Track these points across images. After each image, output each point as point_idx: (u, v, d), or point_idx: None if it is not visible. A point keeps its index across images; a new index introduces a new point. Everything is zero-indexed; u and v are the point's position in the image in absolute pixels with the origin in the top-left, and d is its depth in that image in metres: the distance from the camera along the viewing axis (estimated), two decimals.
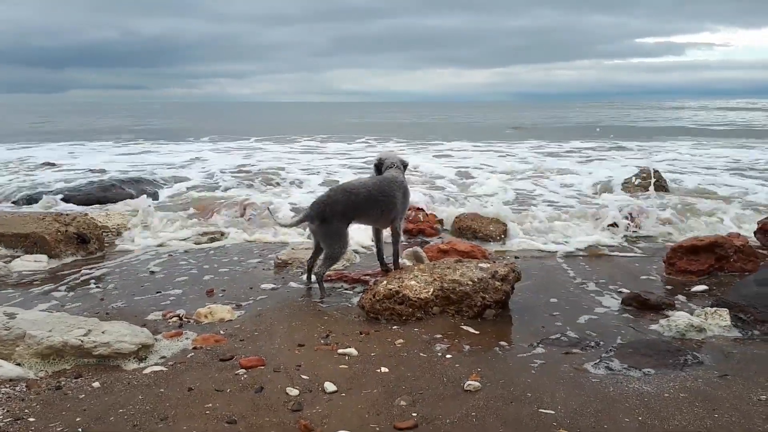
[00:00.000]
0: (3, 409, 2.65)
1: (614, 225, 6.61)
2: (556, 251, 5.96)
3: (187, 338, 3.61)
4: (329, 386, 2.93)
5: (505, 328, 3.87)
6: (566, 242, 6.23)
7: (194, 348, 3.47)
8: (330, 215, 4.36)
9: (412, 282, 4.03)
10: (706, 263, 5.06)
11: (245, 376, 3.07)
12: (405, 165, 4.71)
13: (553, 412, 2.70)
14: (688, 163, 13.74)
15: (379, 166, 4.60)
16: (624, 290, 4.56)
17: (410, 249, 5.06)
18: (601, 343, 3.60)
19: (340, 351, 3.40)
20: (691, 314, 3.89)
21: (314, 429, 2.55)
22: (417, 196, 7.65)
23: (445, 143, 19.26)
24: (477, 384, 2.95)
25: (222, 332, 3.72)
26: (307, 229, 5.14)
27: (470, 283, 4.01)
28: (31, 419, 2.58)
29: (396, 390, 2.92)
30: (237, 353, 3.37)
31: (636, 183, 9.56)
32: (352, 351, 3.39)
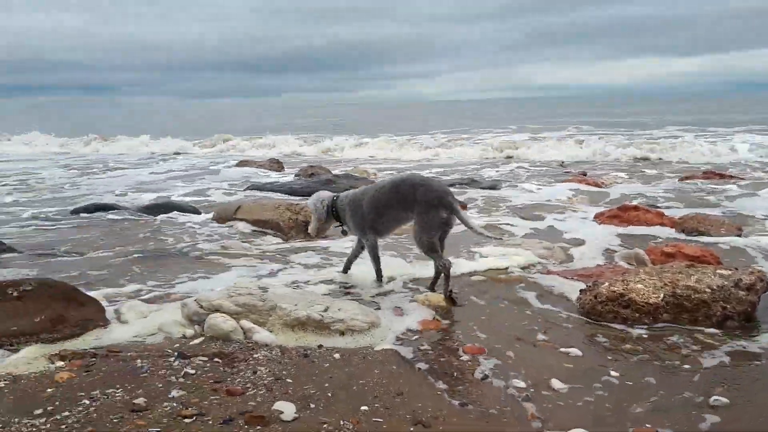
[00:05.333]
0: (266, 368, 3.07)
1: None
2: None
3: (410, 321, 3.81)
4: (556, 383, 2.89)
5: None
6: None
7: (419, 331, 3.66)
8: None
9: (639, 285, 3.79)
10: None
11: (469, 362, 3.16)
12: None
13: None
14: None
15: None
16: None
17: (630, 251, 4.76)
18: None
19: (561, 350, 3.33)
20: None
21: (546, 422, 2.54)
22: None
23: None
24: (725, 400, 2.68)
25: (439, 319, 3.87)
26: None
27: (708, 290, 3.65)
28: (289, 380, 2.94)
29: (629, 396, 2.78)
30: (456, 340, 3.49)
31: None
32: (576, 351, 3.29)
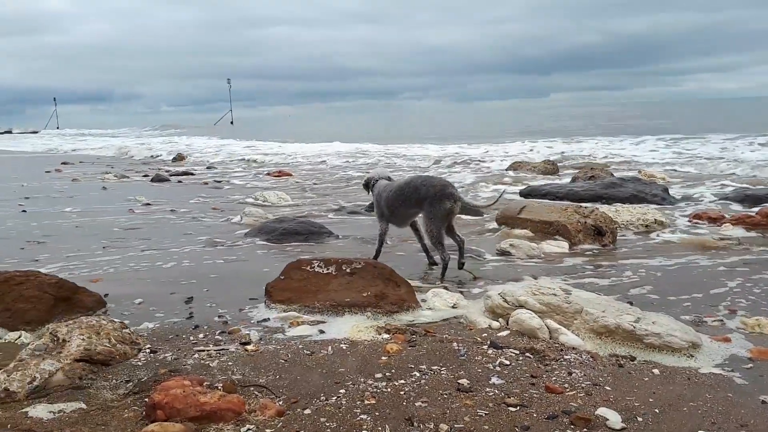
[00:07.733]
0: (580, 372, 3.00)
1: None
2: None
3: (738, 347, 3.37)
4: None
5: None
6: None
7: (750, 359, 3.20)
8: None
9: None
10: None
11: None
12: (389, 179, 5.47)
13: None
14: None
15: (367, 184, 5.56)
16: None
17: None
18: None
19: None
20: None
21: None
22: None
23: None
24: None
25: None
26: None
27: None
28: (607, 388, 2.82)
29: None
30: None
31: None
32: None
